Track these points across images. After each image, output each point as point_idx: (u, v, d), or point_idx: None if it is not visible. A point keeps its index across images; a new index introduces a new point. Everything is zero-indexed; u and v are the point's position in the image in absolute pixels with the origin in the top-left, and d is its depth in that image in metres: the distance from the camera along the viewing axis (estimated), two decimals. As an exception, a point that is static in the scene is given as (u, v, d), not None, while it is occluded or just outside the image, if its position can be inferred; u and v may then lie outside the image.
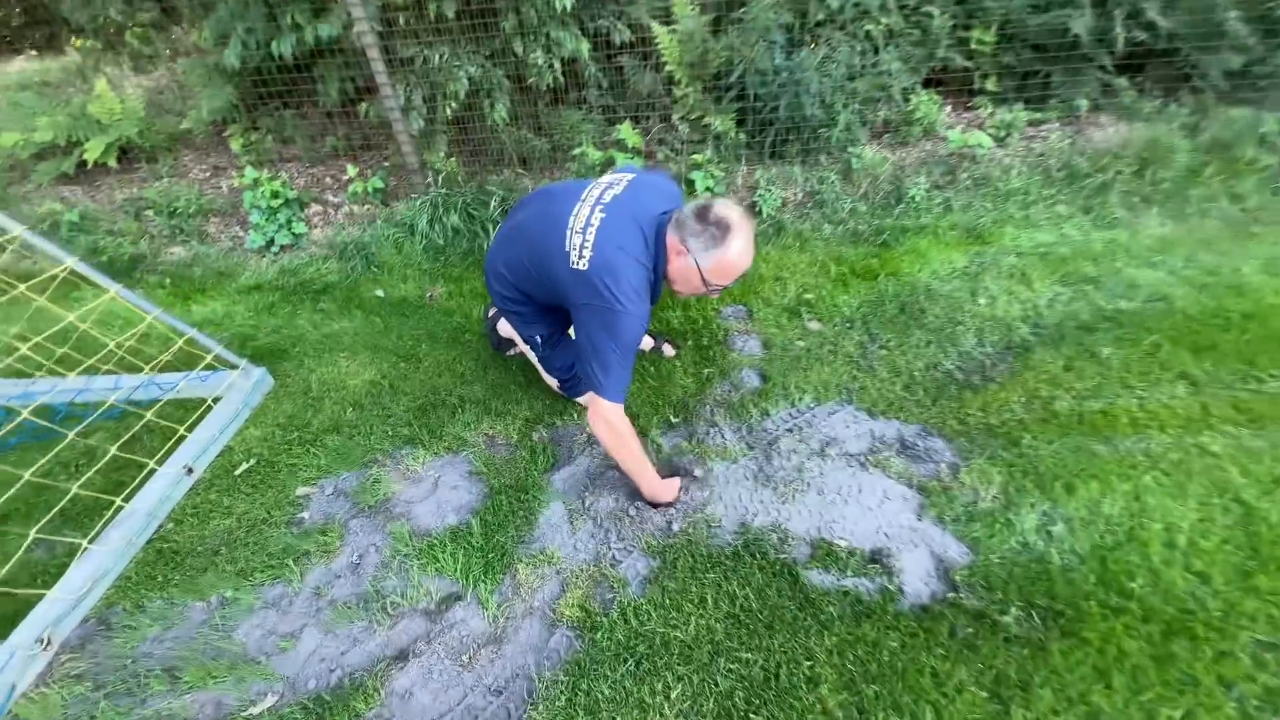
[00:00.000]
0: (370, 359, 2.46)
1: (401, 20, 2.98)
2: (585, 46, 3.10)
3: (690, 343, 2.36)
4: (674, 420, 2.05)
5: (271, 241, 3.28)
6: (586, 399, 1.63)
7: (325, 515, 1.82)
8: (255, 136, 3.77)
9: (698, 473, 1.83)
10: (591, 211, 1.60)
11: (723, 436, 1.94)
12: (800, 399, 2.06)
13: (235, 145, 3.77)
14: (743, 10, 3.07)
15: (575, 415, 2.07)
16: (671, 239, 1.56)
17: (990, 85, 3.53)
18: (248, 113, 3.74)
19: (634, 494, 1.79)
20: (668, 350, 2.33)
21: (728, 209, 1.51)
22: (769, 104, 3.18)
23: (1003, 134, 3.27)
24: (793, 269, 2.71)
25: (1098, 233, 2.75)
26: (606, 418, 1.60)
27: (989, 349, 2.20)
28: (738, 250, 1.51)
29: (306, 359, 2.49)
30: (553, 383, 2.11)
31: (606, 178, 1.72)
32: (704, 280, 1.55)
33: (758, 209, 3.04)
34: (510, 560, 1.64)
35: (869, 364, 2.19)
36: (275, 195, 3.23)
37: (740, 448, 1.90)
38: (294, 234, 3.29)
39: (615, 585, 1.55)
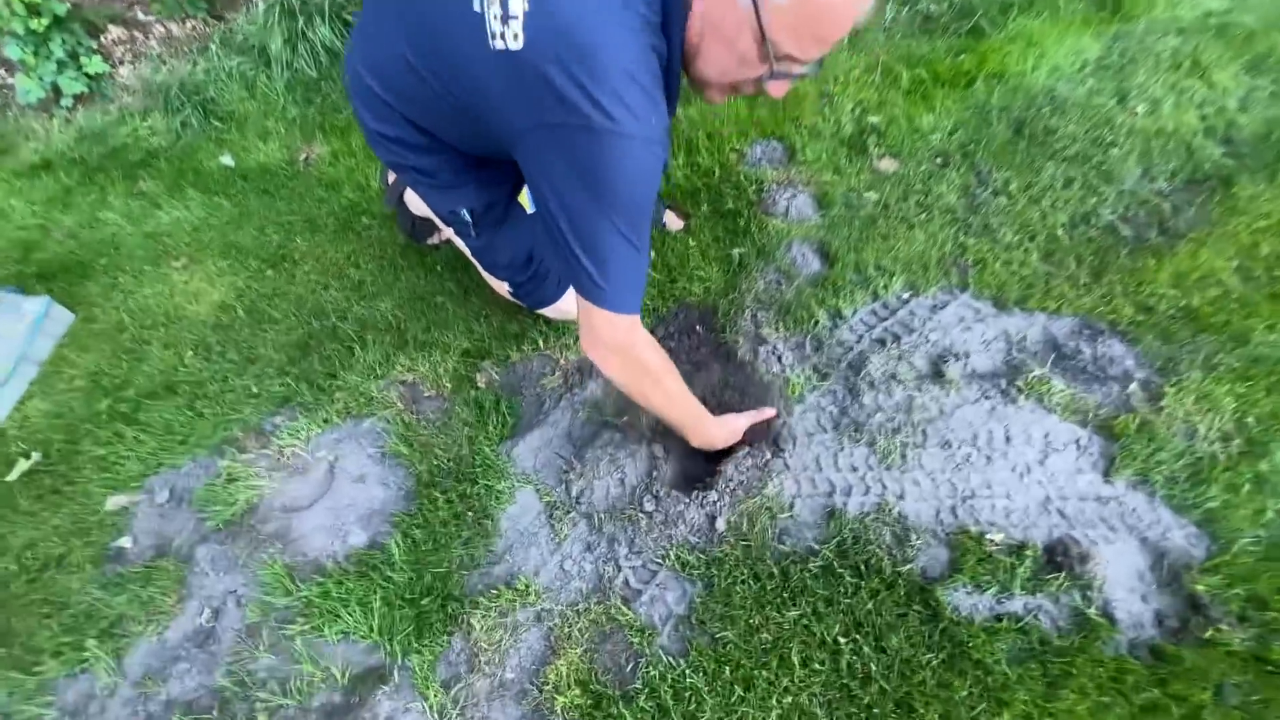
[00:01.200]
0: (219, 268, 1.61)
1: None
2: None
3: (706, 207, 1.54)
4: (698, 337, 1.33)
5: (57, 91, 2.18)
6: (580, 310, 0.87)
7: (156, 542, 1.14)
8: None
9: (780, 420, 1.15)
10: None
11: (778, 359, 1.24)
12: (886, 286, 1.33)
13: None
14: None
15: (542, 337, 1.33)
16: None
17: None
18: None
19: (650, 466, 1.13)
20: (672, 221, 1.53)
21: None
22: None
23: None
24: (844, 78, 1.81)
25: (1294, -10, 1.85)
26: (617, 343, 0.87)
27: (1164, 185, 1.45)
28: None
29: (121, 275, 1.63)
30: (501, 287, 1.34)
31: None
32: (765, 44, 0.71)
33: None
34: (459, 604, 1.00)
35: (983, 222, 1.43)
36: (33, 11, 2.07)
37: (807, 375, 1.21)
38: (88, 76, 2.18)
39: (635, 637, 0.95)
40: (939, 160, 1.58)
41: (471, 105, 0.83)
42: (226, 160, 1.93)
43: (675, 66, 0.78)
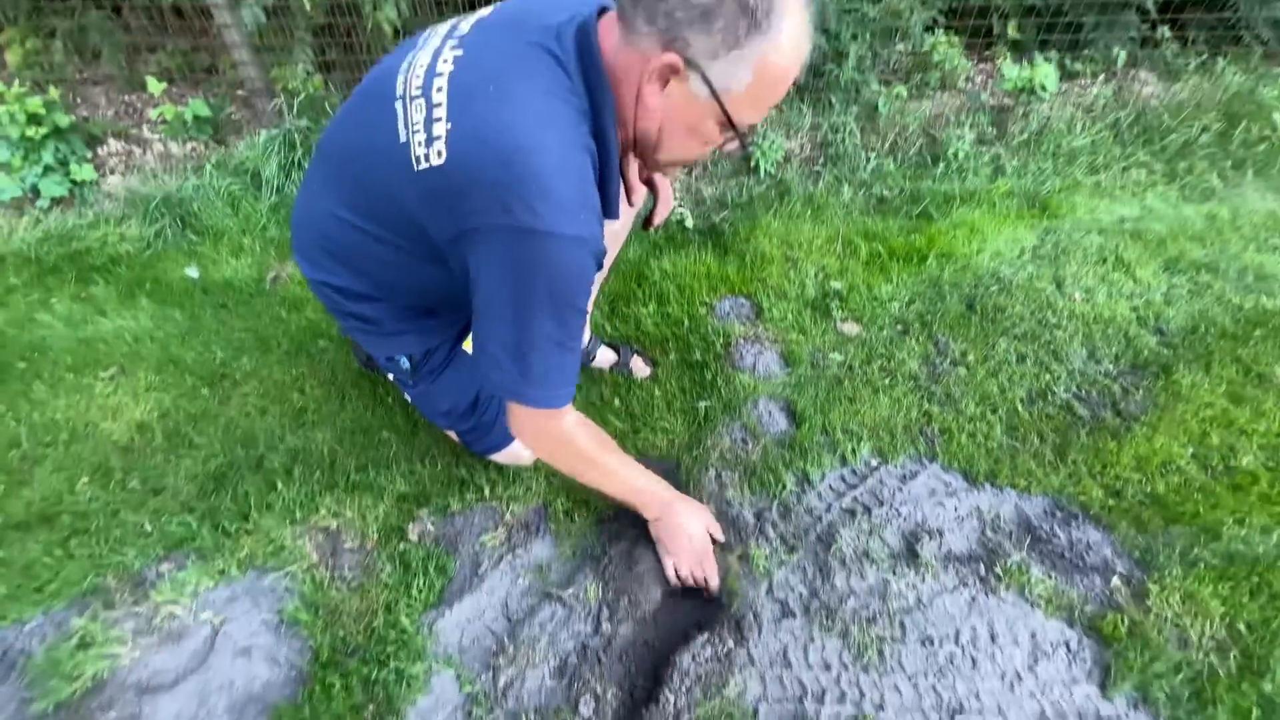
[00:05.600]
0: (150, 382, 1.49)
1: None
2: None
3: (673, 356, 1.54)
4: (656, 493, 1.24)
5: (36, 192, 2.18)
6: (506, 403, 0.87)
7: (-43, 730, 0.89)
8: (36, 43, 2.60)
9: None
10: (437, 55, 0.76)
11: (743, 527, 1.15)
12: (854, 451, 1.29)
13: (12, 58, 2.59)
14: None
15: (490, 485, 1.22)
16: (632, 51, 0.69)
17: (1012, 30, 2.88)
18: (33, 12, 2.58)
19: (599, 646, 0.97)
20: (639, 368, 1.51)
21: None
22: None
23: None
24: (807, 246, 1.93)
25: (1190, 206, 2.13)
26: (545, 430, 0.90)
27: (1110, 367, 1.51)
28: (794, 33, 0.66)
29: (38, 382, 1.49)
30: (449, 431, 1.25)
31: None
32: (727, 115, 0.70)
33: (754, 163, 2.23)
34: (334, 841, 0.78)
35: (945, 391, 1.45)
36: (34, 120, 2.13)
37: (775, 547, 1.11)
38: (73, 181, 2.20)
39: None
40: (899, 328, 1.65)
41: (406, 235, 0.83)
42: (191, 272, 1.90)
43: (612, 162, 0.77)
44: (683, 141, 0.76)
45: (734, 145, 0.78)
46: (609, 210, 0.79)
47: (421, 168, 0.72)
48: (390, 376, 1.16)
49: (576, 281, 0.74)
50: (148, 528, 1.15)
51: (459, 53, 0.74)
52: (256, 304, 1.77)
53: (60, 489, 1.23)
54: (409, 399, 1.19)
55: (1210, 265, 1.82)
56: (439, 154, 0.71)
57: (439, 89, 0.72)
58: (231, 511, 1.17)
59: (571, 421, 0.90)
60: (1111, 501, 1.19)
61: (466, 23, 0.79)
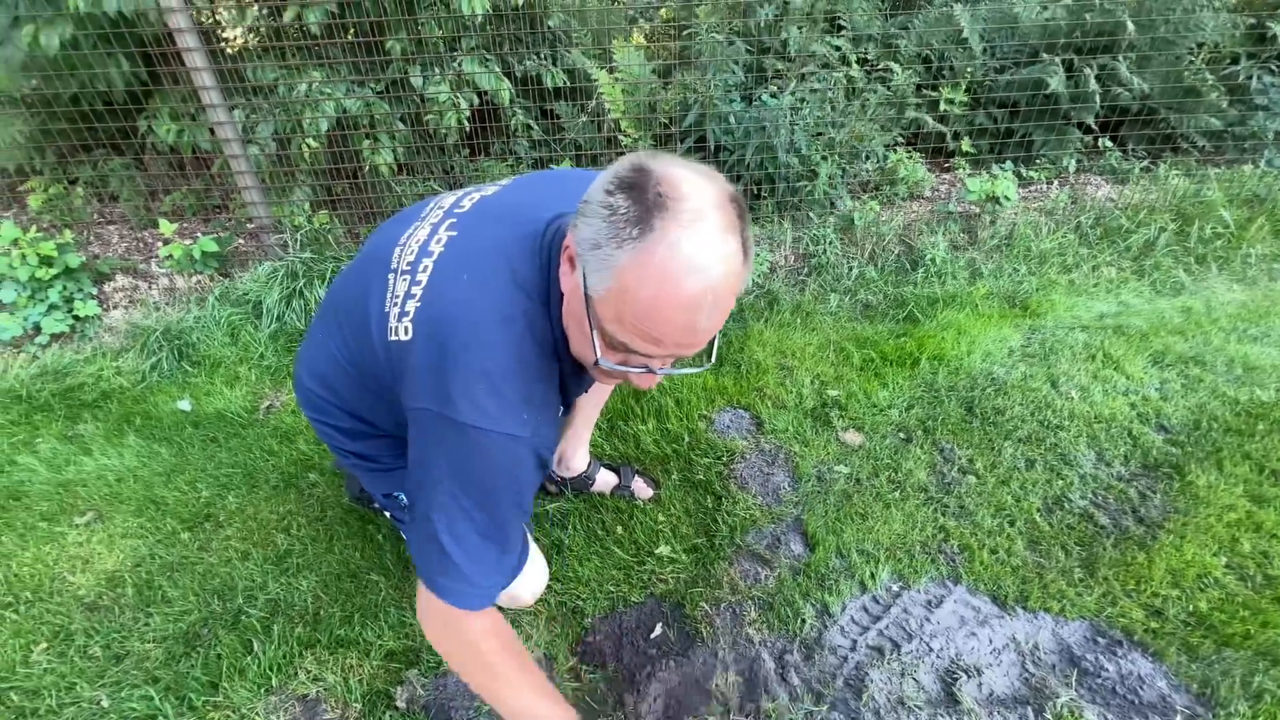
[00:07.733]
0: (127, 528, 1.42)
1: (249, 34, 2.18)
2: (506, 88, 2.40)
3: (675, 476, 1.49)
4: (666, 641, 1.14)
5: (37, 329, 2.21)
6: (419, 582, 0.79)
7: None
8: (57, 189, 2.76)
9: None
10: (434, 232, 0.80)
11: (763, 674, 1.05)
12: (874, 575, 1.22)
13: (34, 202, 2.75)
14: (692, 37, 2.52)
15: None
16: (568, 240, 0.67)
17: (965, 146, 3.16)
18: (60, 160, 2.78)
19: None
20: (641, 490, 1.46)
21: (684, 171, 0.60)
22: (734, 153, 2.60)
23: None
24: (799, 354, 1.96)
25: (1163, 300, 2.21)
26: (451, 624, 0.78)
27: (1121, 469, 1.48)
28: (677, 262, 0.57)
29: (10, 531, 1.42)
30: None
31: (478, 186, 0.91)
32: (593, 325, 0.65)
33: (741, 276, 2.32)
34: None
35: (958, 503, 1.40)
36: (45, 262, 2.21)
37: (800, 696, 1.01)
38: (76, 318, 2.24)
39: None
40: (902, 435, 1.62)
41: (382, 390, 0.86)
42: (183, 405, 1.88)
43: (567, 354, 0.76)
44: (577, 337, 0.71)
45: (638, 375, 0.69)
46: (571, 395, 0.82)
47: (391, 338, 0.76)
48: (388, 515, 1.11)
49: (509, 474, 0.73)
50: (105, 703, 1.04)
51: (453, 234, 0.79)
52: (248, 436, 1.73)
53: (13, 659, 1.12)
54: (406, 538, 1.13)
55: (1197, 358, 1.85)
56: (406, 330, 0.74)
57: (424, 269, 0.76)
58: (200, 681, 1.06)
59: (497, 628, 0.79)
60: (1155, 624, 1.11)
61: (470, 199, 0.84)
